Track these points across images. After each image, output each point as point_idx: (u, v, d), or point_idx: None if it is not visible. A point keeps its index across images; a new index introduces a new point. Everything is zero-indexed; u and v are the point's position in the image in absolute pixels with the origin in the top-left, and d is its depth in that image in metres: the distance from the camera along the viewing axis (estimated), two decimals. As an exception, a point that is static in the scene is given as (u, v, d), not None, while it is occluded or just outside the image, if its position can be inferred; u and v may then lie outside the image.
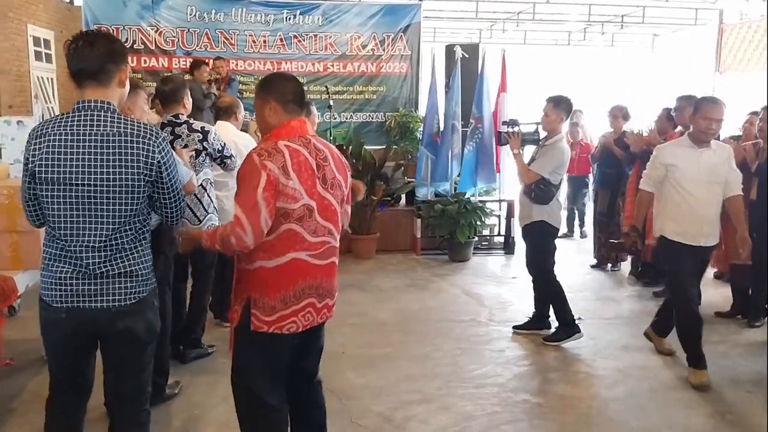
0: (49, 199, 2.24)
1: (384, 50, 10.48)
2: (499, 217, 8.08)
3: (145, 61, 9.95)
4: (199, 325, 4.50)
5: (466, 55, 7.81)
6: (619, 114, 6.66)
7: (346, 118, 10.35)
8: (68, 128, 2.22)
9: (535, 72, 17.23)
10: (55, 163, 2.20)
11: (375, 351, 4.64)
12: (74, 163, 2.20)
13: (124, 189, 2.24)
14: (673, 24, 15.48)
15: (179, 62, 10.05)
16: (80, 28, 10.16)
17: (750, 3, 13.09)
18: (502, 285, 6.49)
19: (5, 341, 4.24)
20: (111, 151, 2.22)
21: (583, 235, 8.91)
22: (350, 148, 7.74)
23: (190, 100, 4.22)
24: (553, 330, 4.87)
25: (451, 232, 7.24)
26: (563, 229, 8.16)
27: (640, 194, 4.33)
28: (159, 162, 2.28)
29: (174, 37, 9.98)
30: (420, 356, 4.57)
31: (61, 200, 2.23)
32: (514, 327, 5.06)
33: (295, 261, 2.51)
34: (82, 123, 2.23)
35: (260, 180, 2.37)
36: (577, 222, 9.00)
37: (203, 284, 4.51)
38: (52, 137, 2.22)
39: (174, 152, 2.64)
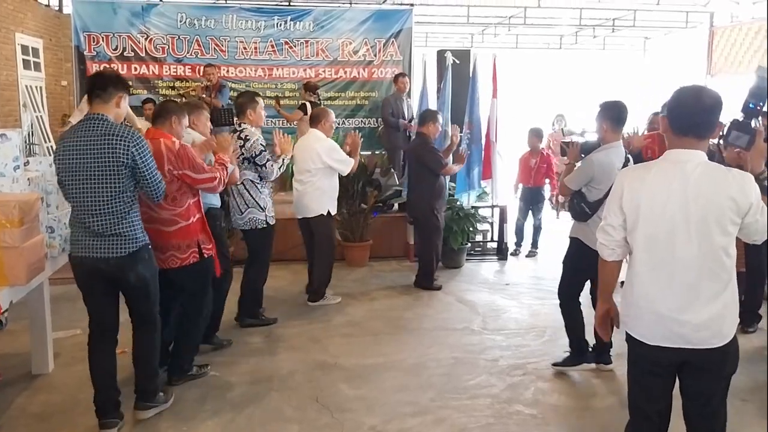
0: (66, 182, 3.28)
1: (376, 56, 10.45)
2: (491, 223, 8.05)
3: (135, 69, 9.87)
4: (257, 299, 5.39)
5: (457, 61, 7.79)
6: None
7: (338, 124, 10.26)
8: (77, 133, 3.27)
9: (527, 76, 17.27)
10: (67, 157, 3.24)
11: (368, 361, 4.60)
12: (77, 156, 3.22)
13: (110, 172, 3.22)
14: (665, 27, 15.55)
15: (170, 69, 9.98)
16: (69, 36, 10.11)
17: (741, 5, 13.14)
18: (495, 292, 6.45)
19: (-8, 356, 4.19)
20: (100, 146, 3.21)
21: (530, 254, 8.00)
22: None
23: (260, 112, 5.08)
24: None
25: (444, 239, 7.21)
26: (511, 247, 7.97)
27: None
28: (133, 153, 3.25)
29: (164, 44, 9.90)
30: (414, 366, 4.53)
31: (72, 182, 3.26)
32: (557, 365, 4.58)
33: None
34: (85, 129, 3.26)
35: None
36: (530, 240, 8.08)
37: (259, 265, 5.26)
38: (67, 141, 3.28)
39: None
